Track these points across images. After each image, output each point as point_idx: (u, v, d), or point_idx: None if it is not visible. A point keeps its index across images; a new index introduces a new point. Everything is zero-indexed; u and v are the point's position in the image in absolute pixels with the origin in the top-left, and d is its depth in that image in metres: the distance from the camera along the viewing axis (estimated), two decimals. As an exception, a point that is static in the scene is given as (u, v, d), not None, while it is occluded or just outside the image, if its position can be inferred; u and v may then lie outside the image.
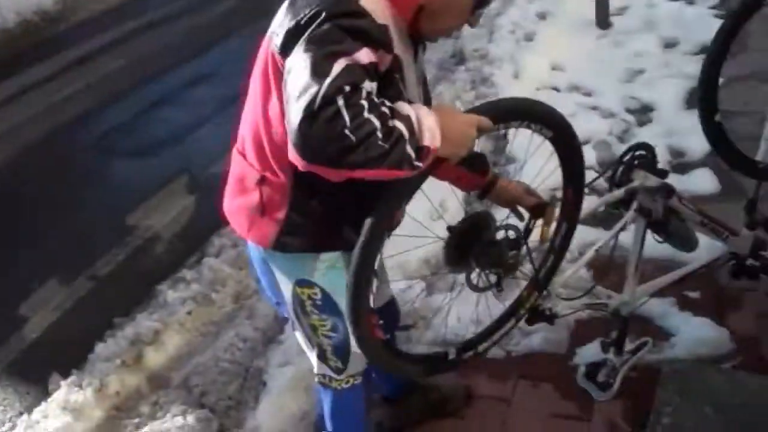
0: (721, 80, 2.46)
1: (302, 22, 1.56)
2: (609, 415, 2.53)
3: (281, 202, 1.81)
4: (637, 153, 2.21)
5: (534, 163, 2.32)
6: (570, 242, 2.28)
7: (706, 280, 3.01)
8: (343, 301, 1.88)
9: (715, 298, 3.00)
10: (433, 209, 2.94)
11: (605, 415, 2.53)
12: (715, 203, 3.60)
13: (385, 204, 1.73)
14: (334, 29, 1.51)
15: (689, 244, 2.39)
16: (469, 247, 1.95)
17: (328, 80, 1.43)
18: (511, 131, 1.90)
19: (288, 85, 1.51)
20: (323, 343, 2.02)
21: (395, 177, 1.56)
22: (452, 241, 1.95)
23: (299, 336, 2.09)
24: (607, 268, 2.65)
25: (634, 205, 2.15)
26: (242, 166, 1.88)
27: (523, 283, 2.30)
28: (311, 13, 1.54)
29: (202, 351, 3.23)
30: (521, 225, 2.07)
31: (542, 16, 6.41)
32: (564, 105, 4.73)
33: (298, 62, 1.50)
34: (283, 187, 1.80)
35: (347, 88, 1.44)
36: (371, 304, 1.85)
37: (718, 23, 2.52)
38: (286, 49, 1.59)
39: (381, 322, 1.97)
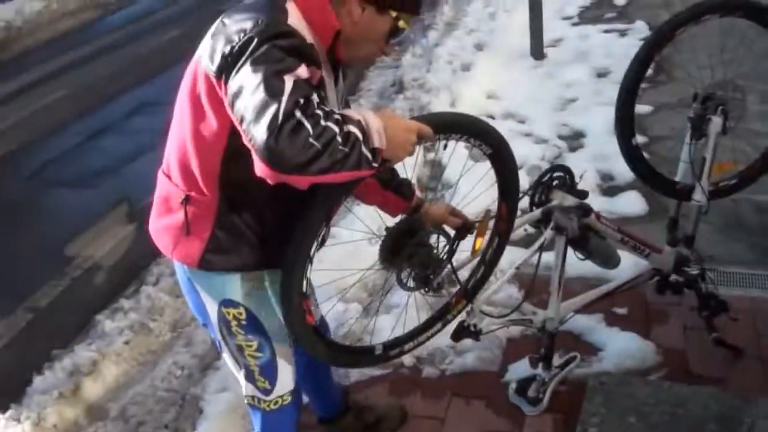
0: (650, 108, 2.59)
1: (237, 46, 1.60)
2: (539, 429, 2.59)
3: (206, 221, 1.83)
4: (555, 174, 2.30)
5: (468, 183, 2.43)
6: (500, 256, 2.34)
7: (633, 296, 3.13)
8: (268, 321, 1.94)
9: (643, 313, 3.12)
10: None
11: (535, 429, 2.59)
12: (642, 223, 3.78)
13: (329, 193, 1.77)
14: (272, 49, 1.56)
15: (610, 262, 2.48)
16: (402, 247, 2.02)
17: (285, 96, 1.48)
18: (450, 145, 1.96)
19: (240, 105, 1.54)
20: (250, 364, 2.03)
21: (357, 178, 1.64)
22: (387, 240, 2.03)
23: (227, 357, 2.09)
24: (538, 287, 2.72)
25: (551, 223, 2.24)
26: (167, 186, 1.90)
27: (453, 290, 2.36)
28: (246, 38, 1.59)
29: (140, 380, 3.22)
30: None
31: (479, 47, 6.61)
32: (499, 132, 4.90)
33: (248, 83, 1.54)
34: (209, 206, 1.81)
35: (302, 101, 1.50)
36: (304, 289, 1.87)
37: None
38: (223, 71, 1.63)
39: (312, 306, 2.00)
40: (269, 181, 1.54)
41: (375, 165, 1.59)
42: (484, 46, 6.65)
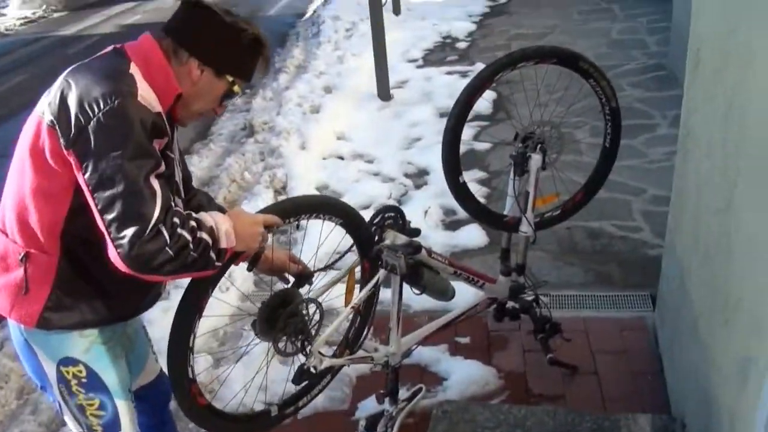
0: (489, 145, 2.74)
1: (92, 124, 1.62)
2: (389, 462, 2.66)
3: (46, 279, 1.79)
4: (387, 215, 2.41)
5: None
6: (373, 306, 2.51)
7: (475, 325, 3.30)
8: (108, 378, 1.92)
9: (484, 340, 3.29)
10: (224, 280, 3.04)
11: (386, 463, 2.66)
12: (483, 254, 3.99)
13: (195, 288, 1.95)
14: (142, 143, 1.65)
15: (446, 294, 2.58)
16: (276, 318, 2.10)
17: (155, 213, 1.63)
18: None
19: (104, 198, 1.62)
20: (92, 424, 1.98)
21: (202, 276, 1.83)
22: (262, 314, 2.11)
23: (68, 420, 2.02)
24: (382, 323, 2.80)
25: (382, 262, 2.34)
26: (3, 243, 1.84)
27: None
28: (101, 116, 1.62)
29: (-13, 454, 3.04)
30: (303, 291, 2.24)
31: (328, 90, 6.75)
32: (348, 172, 5.05)
33: (113, 180, 1.61)
34: (50, 265, 1.78)
35: (165, 213, 1.65)
36: (191, 375, 2.00)
37: (488, 94, 2.81)
38: (76, 144, 1.64)
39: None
40: (121, 270, 1.66)
41: (219, 264, 1.78)
42: (333, 89, 6.80)
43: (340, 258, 2.37)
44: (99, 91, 1.65)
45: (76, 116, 1.64)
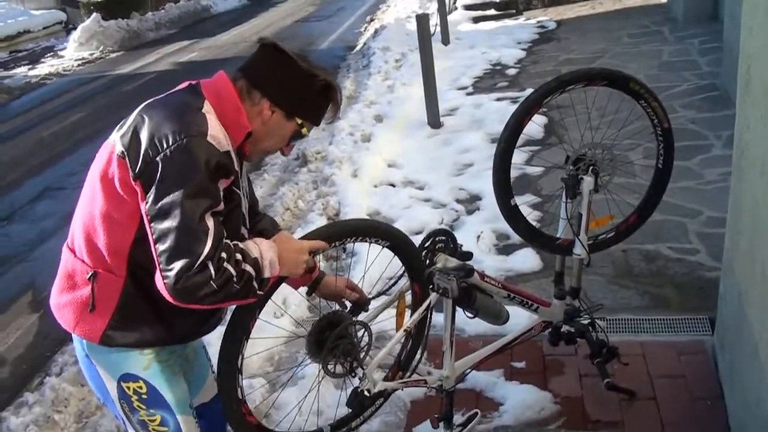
0: (541, 169, 2.73)
1: (160, 158, 1.71)
2: (446, 487, 2.65)
3: (111, 299, 1.87)
4: (437, 239, 2.43)
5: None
6: (425, 329, 2.51)
7: (531, 350, 3.28)
8: (169, 394, 1.99)
9: (540, 365, 3.25)
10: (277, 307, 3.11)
11: (442, 489, 2.65)
12: (537, 278, 3.97)
13: (243, 310, 2.03)
14: (203, 182, 1.73)
15: (500, 318, 2.58)
16: (325, 340, 2.15)
17: (205, 250, 1.71)
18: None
19: (160, 230, 1.71)
20: None
21: (244, 303, 1.90)
22: (312, 337, 2.16)
23: None
24: (437, 347, 2.80)
25: (434, 285, 2.36)
26: (72, 261, 1.92)
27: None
28: (168, 152, 1.71)
29: (47, 476, 3.13)
30: (358, 318, 2.28)
31: (379, 119, 6.83)
32: (399, 199, 5.09)
33: (172, 212, 1.70)
34: (116, 286, 1.86)
35: (215, 251, 1.73)
36: (240, 396, 2.07)
37: (539, 119, 2.83)
38: (143, 176, 1.73)
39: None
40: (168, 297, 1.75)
41: (261, 292, 1.85)
42: (383, 117, 6.89)
43: (394, 283, 2.40)
44: (170, 128, 1.75)
45: (146, 150, 1.74)
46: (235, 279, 1.76)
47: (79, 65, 14.84)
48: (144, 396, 1.98)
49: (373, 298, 2.33)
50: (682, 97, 6.41)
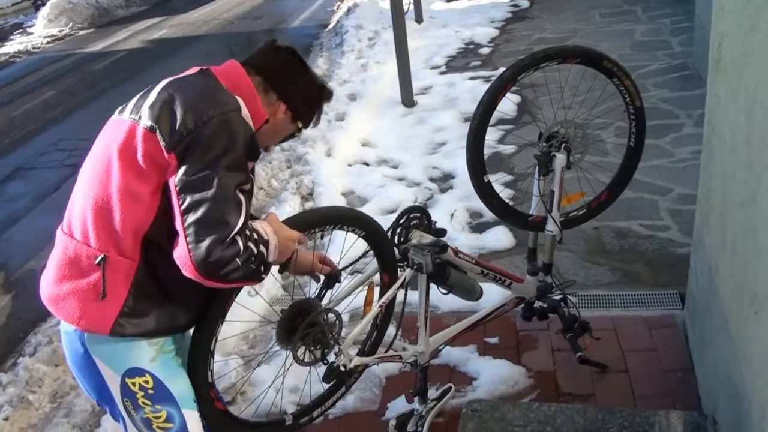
0: (515, 148, 2.74)
1: (204, 129, 1.71)
2: (419, 461, 2.68)
3: (124, 284, 1.78)
4: (412, 215, 2.44)
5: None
6: (390, 318, 2.55)
7: (504, 325, 3.32)
8: (175, 387, 1.91)
9: (513, 340, 3.29)
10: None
11: (416, 462, 2.68)
12: (510, 256, 4.00)
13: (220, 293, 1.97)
14: (240, 157, 1.74)
15: (473, 294, 2.60)
16: (296, 328, 2.14)
17: (238, 224, 1.72)
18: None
19: (190, 201, 1.69)
20: None
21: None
22: (282, 323, 2.15)
23: None
24: (411, 323, 2.82)
25: (408, 261, 2.37)
26: (73, 246, 1.81)
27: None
28: (210, 124, 1.71)
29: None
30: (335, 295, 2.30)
31: (352, 98, 6.80)
32: (373, 178, 5.09)
33: (208, 182, 1.69)
34: (129, 269, 1.78)
35: (244, 226, 1.74)
36: (210, 380, 2.04)
37: (513, 98, 2.84)
38: (178, 147, 1.71)
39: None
40: (191, 276, 1.72)
41: (264, 276, 1.84)
42: (357, 96, 6.86)
43: (360, 257, 2.44)
44: (208, 102, 1.76)
45: (183, 122, 1.72)
46: (253, 258, 1.76)
47: (48, 42, 14.58)
48: (150, 391, 1.87)
49: (344, 269, 2.33)
50: (654, 77, 6.46)
